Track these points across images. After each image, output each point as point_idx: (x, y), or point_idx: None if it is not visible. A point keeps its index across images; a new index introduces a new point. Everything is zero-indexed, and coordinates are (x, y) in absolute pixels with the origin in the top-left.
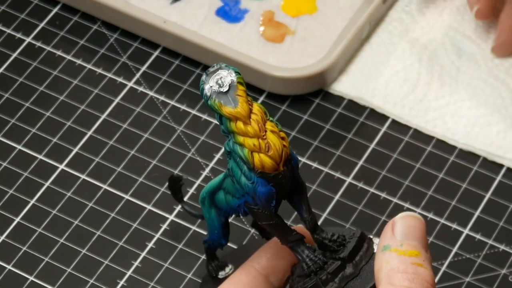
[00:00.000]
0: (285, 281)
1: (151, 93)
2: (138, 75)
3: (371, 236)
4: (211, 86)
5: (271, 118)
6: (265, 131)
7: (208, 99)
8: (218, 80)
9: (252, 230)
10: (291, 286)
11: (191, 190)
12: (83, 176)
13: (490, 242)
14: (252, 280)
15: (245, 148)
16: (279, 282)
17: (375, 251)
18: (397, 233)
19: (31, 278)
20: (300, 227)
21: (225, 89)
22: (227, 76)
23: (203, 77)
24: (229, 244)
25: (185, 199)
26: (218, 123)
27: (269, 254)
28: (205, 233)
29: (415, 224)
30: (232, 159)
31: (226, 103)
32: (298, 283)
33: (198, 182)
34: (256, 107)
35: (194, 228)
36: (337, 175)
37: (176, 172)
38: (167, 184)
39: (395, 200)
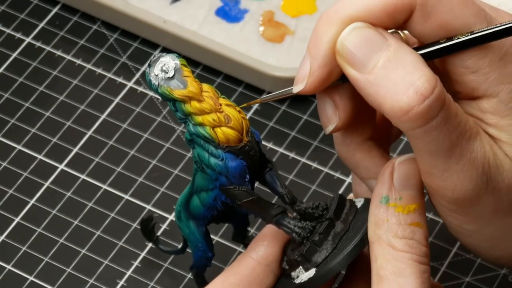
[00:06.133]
0: (280, 263)
1: (151, 93)
2: (138, 75)
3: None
4: (156, 75)
5: (223, 96)
6: (220, 105)
7: (158, 87)
8: (162, 67)
9: (240, 248)
10: (288, 262)
11: None
12: (83, 176)
13: None
14: (251, 272)
15: (206, 126)
16: (280, 268)
17: (358, 207)
18: (396, 182)
19: (31, 278)
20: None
21: (171, 74)
22: (169, 62)
23: (147, 69)
24: (216, 263)
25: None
26: (172, 110)
27: (265, 241)
28: None
29: (413, 169)
30: (196, 146)
31: (175, 87)
32: (294, 255)
33: None
34: (206, 86)
35: None
36: (337, 175)
37: (175, 172)
38: (140, 227)
39: None
